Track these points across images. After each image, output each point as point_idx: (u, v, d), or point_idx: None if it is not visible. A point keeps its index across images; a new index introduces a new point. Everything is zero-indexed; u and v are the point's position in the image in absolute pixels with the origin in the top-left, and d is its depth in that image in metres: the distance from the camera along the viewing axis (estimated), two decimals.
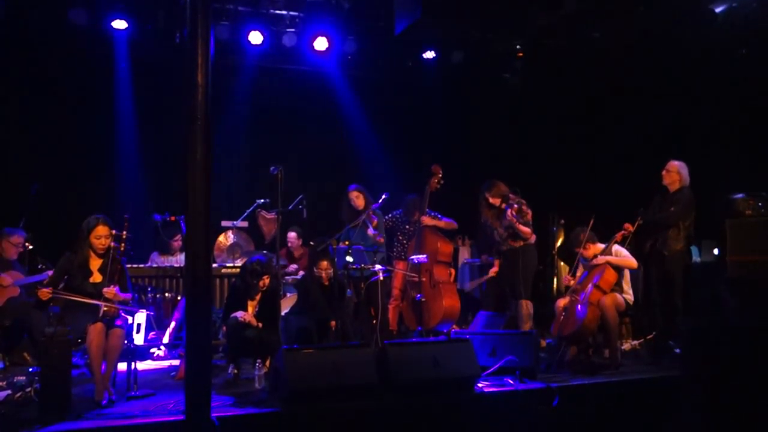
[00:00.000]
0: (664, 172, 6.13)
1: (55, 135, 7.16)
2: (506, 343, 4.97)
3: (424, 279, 6.11)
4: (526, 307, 5.95)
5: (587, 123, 8.15)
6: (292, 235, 6.61)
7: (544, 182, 7.96)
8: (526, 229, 5.89)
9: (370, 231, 6.28)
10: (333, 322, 5.43)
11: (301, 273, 6.62)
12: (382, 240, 6.36)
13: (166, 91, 6.88)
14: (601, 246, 5.62)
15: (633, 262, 5.56)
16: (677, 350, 5.58)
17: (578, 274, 5.67)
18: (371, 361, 4.36)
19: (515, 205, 5.86)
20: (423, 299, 6.00)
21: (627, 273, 5.63)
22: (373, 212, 6.33)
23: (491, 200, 5.99)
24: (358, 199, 6.35)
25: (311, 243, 5.87)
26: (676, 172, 6.08)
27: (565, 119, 8.29)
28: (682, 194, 6.01)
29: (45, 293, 4.41)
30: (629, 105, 7.85)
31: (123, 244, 4.63)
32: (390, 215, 6.62)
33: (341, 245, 6.07)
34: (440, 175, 6.32)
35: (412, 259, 6.14)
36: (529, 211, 6.01)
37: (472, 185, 6.35)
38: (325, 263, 5.51)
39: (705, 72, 7.16)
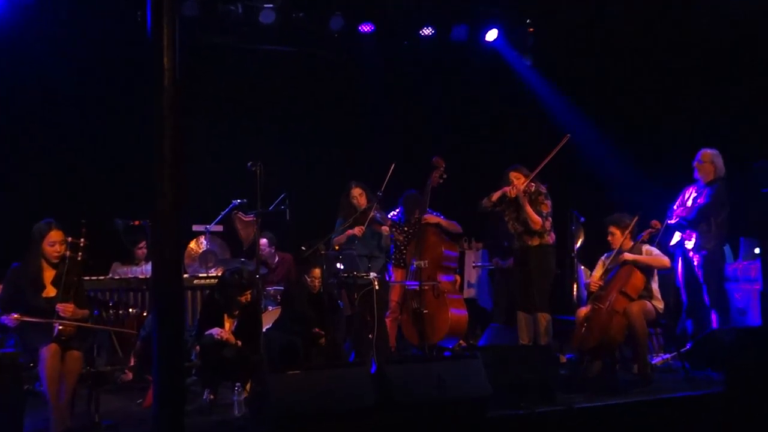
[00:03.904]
0: (696, 164, 6.18)
1: None
2: (518, 358, 5.00)
3: (426, 288, 6.13)
4: (544, 321, 5.94)
5: (607, 108, 8.18)
6: (263, 241, 6.62)
7: (561, 175, 7.97)
8: (536, 218, 5.88)
9: (385, 228, 6.27)
10: (323, 339, 5.44)
11: (273, 286, 6.62)
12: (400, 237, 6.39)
13: (128, 75, 6.86)
14: (630, 243, 5.64)
15: (665, 261, 5.61)
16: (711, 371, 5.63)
17: (597, 273, 5.69)
18: (367, 381, 4.37)
19: (532, 185, 5.90)
20: (425, 310, 6.02)
21: (656, 277, 5.67)
22: (380, 213, 6.35)
23: (515, 180, 5.97)
24: (361, 197, 6.35)
25: (302, 248, 5.87)
26: (710, 162, 6.12)
27: (582, 103, 8.32)
28: (715, 186, 6.05)
29: (14, 319, 4.40)
30: (654, 88, 7.89)
31: (81, 253, 4.63)
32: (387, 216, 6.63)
33: (332, 249, 6.09)
34: (443, 169, 6.34)
35: (412, 264, 6.16)
36: (548, 202, 5.99)
37: (479, 180, 6.37)
38: (318, 271, 5.54)
39: (738, 50, 7.21)
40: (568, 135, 5.89)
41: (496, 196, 6.04)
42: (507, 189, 5.97)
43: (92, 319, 4.94)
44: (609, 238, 5.64)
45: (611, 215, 5.71)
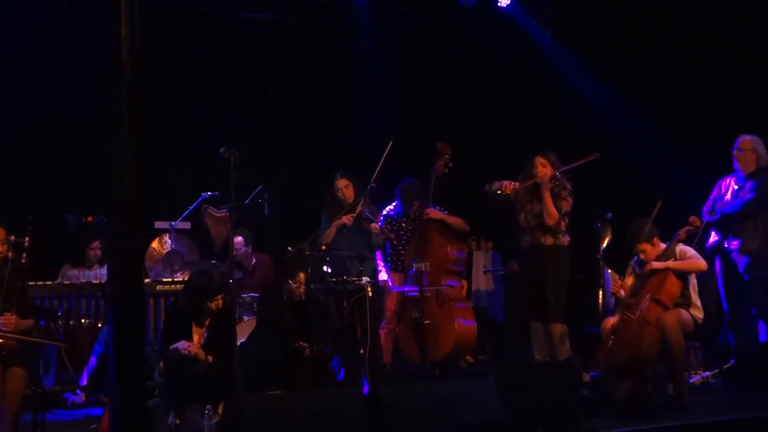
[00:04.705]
0: (736, 152, 6.22)
1: None
2: (536, 377, 5.00)
3: (428, 294, 6.12)
4: (560, 332, 5.98)
5: (638, 85, 8.19)
6: (238, 240, 6.64)
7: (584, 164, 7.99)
8: (554, 212, 5.94)
9: (375, 226, 6.26)
10: (307, 350, 5.44)
11: (250, 292, 6.61)
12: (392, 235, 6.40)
13: (80, 46, 6.83)
14: (663, 246, 5.65)
15: (701, 263, 5.63)
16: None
17: (628, 281, 5.70)
18: (359, 404, 4.38)
19: (558, 175, 5.98)
20: (427, 321, 6.02)
21: (695, 282, 5.68)
22: (369, 208, 6.34)
23: (540, 167, 6.04)
24: (347, 189, 6.35)
25: (289, 248, 5.87)
26: (751, 151, 6.18)
27: (609, 79, 8.33)
28: (760, 177, 6.09)
29: None
30: (696, 60, 7.89)
31: (25, 255, 4.62)
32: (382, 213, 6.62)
33: (318, 250, 6.08)
34: (448, 156, 6.34)
35: (412, 267, 6.15)
36: (570, 200, 6.07)
37: (491, 169, 6.37)
38: (303, 275, 5.56)
39: None
40: (598, 155, 6.00)
41: (495, 185, 6.15)
42: (506, 183, 6.10)
43: (38, 332, 4.92)
44: (641, 256, 5.65)
45: (631, 229, 5.72)
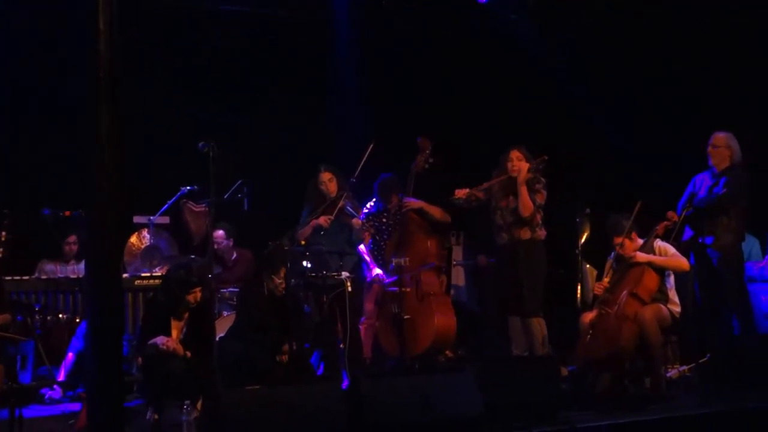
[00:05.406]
0: (710, 149, 6.27)
1: None
2: (514, 372, 5.03)
3: (407, 289, 6.14)
4: (538, 326, 6.03)
5: (619, 78, 8.22)
6: (219, 233, 6.63)
7: (562, 159, 8.03)
8: (529, 203, 6.01)
9: (356, 221, 6.26)
10: (285, 346, 5.44)
11: (229, 287, 6.61)
12: (368, 235, 6.41)
13: (58, 38, 6.79)
14: (640, 242, 5.70)
15: (684, 263, 5.68)
16: None
17: (607, 278, 5.75)
18: (338, 399, 4.39)
19: (536, 166, 6.05)
20: (406, 316, 6.04)
21: (672, 277, 5.73)
22: (352, 203, 6.35)
23: (516, 161, 6.11)
24: (330, 183, 6.35)
25: (270, 243, 5.87)
26: (725, 147, 6.23)
27: (589, 73, 8.36)
28: (733, 173, 6.15)
29: None
30: (677, 54, 7.94)
31: (1, 249, 4.60)
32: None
33: (297, 245, 6.08)
34: (429, 152, 6.33)
35: (392, 263, 6.16)
36: (545, 193, 6.12)
37: (472, 164, 6.38)
38: (284, 270, 5.55)
39: None
40: (546, 157, 6.09)
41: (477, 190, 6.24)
42: (456, 192, 6.22)
43: (15, 327, 4.89)
44: (618, 250, 5.68)
45: (609, 223, 5.77)
